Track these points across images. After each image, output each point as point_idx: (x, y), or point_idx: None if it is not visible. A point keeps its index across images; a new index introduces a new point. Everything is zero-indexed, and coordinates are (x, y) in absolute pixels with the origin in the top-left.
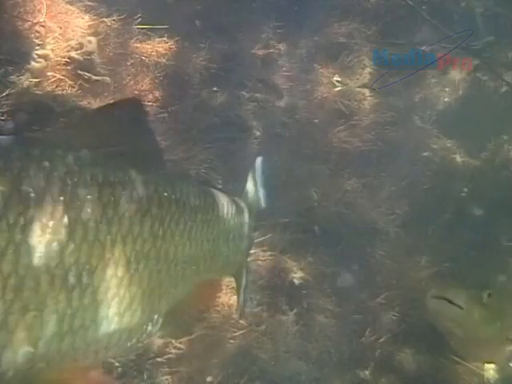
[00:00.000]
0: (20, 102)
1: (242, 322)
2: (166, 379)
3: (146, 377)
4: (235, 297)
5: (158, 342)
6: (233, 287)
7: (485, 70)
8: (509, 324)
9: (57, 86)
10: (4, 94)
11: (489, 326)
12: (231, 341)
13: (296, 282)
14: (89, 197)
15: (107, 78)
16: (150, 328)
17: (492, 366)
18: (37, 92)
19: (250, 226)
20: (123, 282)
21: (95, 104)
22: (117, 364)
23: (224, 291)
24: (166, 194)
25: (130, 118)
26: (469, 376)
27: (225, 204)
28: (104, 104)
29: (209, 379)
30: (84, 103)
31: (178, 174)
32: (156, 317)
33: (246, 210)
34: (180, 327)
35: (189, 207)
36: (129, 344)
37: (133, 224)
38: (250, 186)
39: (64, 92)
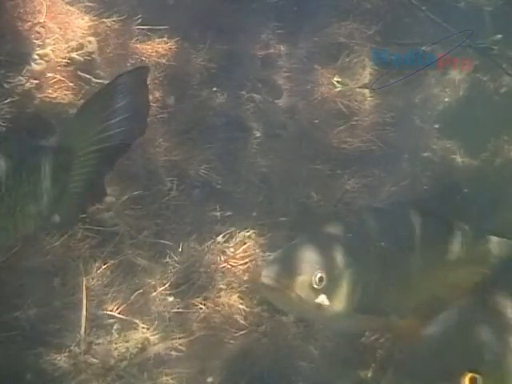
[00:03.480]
0: (20, 103)
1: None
2: (167, 380)
3: (146, 377)
4: (235, 296)
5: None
6: (233, 287)
7: (485, 70)
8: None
9: (57, 88)
10: (4, 96)
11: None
12: (231, 341)
13: None
14: None
15: (107, 79)
16: None
17: None
18: (37, 94)
19: None
20: None
21: None
22: (118, 364)
23: (225, 291)
24: None
25: None
26: None
27: None
28: None
29: (209, 380)
30: None
31: None
32: None
33: None
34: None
35: None
36: None
37: None
38: None
39: (64, 93)
